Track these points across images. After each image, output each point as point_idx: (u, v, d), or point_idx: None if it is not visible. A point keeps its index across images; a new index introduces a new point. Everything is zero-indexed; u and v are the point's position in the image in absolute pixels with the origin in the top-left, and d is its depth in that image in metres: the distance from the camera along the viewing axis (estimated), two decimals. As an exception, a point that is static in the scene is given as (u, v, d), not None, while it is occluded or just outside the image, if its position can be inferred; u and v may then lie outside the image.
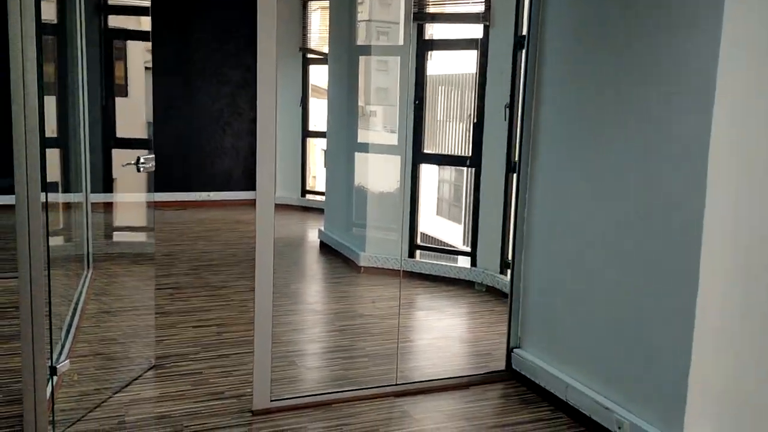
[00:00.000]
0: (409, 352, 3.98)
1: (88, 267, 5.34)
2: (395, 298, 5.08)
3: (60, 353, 3.31)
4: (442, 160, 5.83)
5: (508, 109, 5.00)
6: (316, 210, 8.69)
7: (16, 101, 2.50)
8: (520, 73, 4.97)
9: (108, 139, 6.07)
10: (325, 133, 9.86)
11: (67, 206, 5.18)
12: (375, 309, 4.80)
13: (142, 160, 3.28)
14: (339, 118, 6.56)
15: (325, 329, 4.38)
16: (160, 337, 4.03)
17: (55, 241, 5.30)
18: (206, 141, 8.91)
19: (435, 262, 5.49)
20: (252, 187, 8.90)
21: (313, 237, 7.31)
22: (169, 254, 6.21)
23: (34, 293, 2.66)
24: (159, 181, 8.96)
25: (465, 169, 5.58)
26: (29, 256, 2.61)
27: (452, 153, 5.63)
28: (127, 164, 3.34)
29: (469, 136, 5.49)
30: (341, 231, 6.35)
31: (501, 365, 3.70)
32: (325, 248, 6.56)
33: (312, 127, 8.91)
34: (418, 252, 5.68)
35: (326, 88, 9.81)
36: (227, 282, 5.34)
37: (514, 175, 5.18)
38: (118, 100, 6.51)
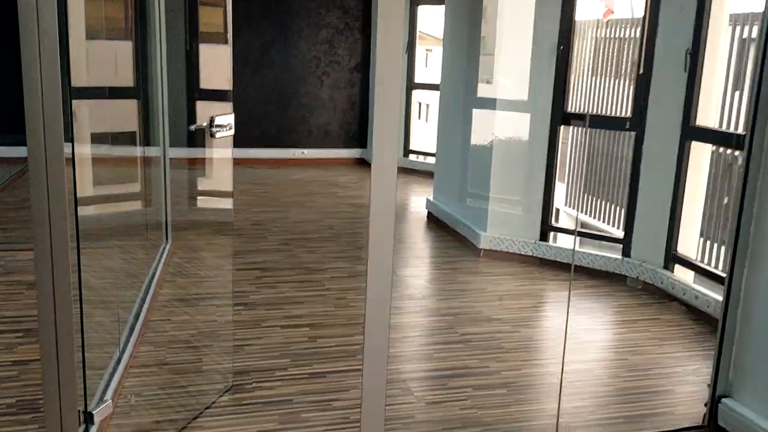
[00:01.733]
0: (558, 380, 3.00)
1: (167, 238, 4.65)
2: (528, 294, 4.08)
3: (111, 376, 2.55)
4: (591, 121, 4.68)
5: (690, 56, 3.79)
6: (420, 173, 7.73)
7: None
8: (710, 7, 3.73)
9: (192, 91, 5.33)
10: (431, 85, 8.80)
11: (143, 164, 4.48)
12: (503, 310, 3.83)
13: (216, 123, 2.41)
14: (456, 69, 5.49)
15: (442, 338, 3.47)
16: (241, 340, 3.24)
17: (130, 206, 4.64)
18: (302, 92, 8.07)
19: (579, 249, 4.43)
20: (350, 144, 7.99)
21: (418, 206, 6.37)
22: (259, 223, 5.45)
23: (58, 300, 1.86)
24: (250, 135, 8.27)
25: (622, 133, 4.43)
26: (50, 238, 1.81)
27: (605, 113, 4.48)
28: (197, 127, 2.48)
29: (627, 93, 4.31)
30: (455, 203, 5.36)
31: (696, 416, 2.66)
32: (434, 222, 5.61)
33: (417, 79, 7.87)
34: (551, 235, 4.63)
35: (437, 33, 8.70)
36: (323, 263, 4.50)
37: (710, 147, 4.01)
38: (203, 47, 5.65)
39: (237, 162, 7.58)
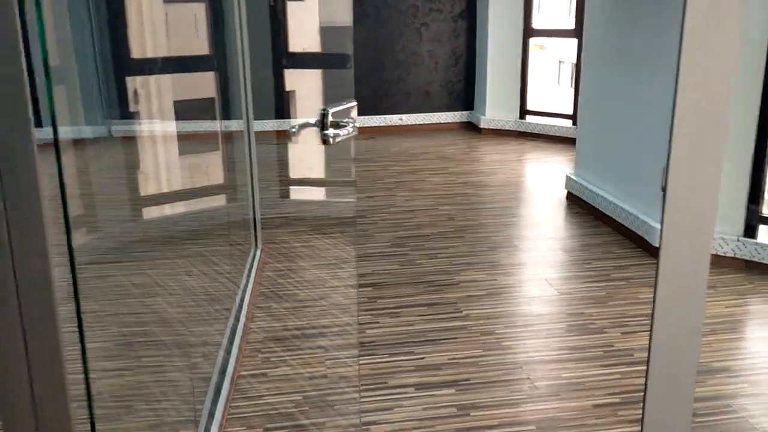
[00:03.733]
0: None
1: (256, 242, 3.76)
2: (748, 316, 2.93)
3: None
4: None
5: None
6: (540, 138, 6.53)
7: None
8: None
9: (279, 57, 4.37)
10: (555, 31, 7.47)
11: (225, 149, 3.59)
12: (724, 353, 2.72)
13: (332, 120, 1.41)
14: (603, 11, 4.25)
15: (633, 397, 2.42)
16: (365, 414, 2.30)
17: (209, 202, 3.77)
18: (398, 48, 6.97)
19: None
20: (454, 106, 6.85)
21: (548, 181, 5.23)
22: (362, 214, 4.48)
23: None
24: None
25: None
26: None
27: None
28: (302, 126, 1.50)
29: None
30: (612, 184, 4.19)
31: None
32: (579, 206, 4.46)
33: (537, 24, 6.60)
34: (762, 229, 3.41)
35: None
36: (450, 273, 3.50)
37: None
38: (291, 5, 4.72)
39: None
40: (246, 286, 3.24)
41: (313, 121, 1.45)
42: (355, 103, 1.54)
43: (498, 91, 6.78)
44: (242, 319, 2.92)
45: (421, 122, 7.16)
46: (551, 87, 18.34)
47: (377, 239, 4.03)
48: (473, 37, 7.04)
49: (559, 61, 19.25)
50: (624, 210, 3.93)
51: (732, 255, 3.42)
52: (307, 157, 5.59)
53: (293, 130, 1.44)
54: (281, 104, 5.03)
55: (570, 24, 6.27)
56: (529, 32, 6.55)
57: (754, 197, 3.36)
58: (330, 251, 3.85)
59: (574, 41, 6.26)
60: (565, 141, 6.34)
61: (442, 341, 2.80)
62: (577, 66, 6.27)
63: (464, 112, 7.23)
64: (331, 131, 1.40)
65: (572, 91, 6.38)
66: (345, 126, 1.44)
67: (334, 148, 1.70)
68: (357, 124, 1.50)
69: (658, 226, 3.58)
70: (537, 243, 3.93)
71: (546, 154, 6.03)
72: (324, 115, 1.41)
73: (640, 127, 3.83)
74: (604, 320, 2.97)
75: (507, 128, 6.77)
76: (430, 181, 5.27)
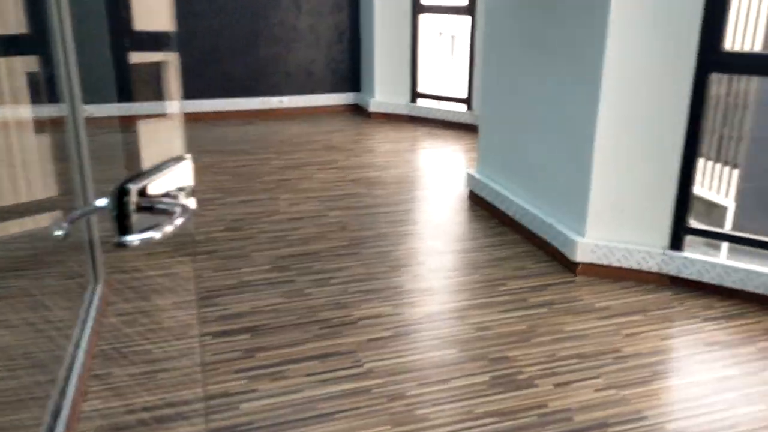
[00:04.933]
0: None
1: (95, 273, 2.95)
2: (689, 349, 2.55)
3: None
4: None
5: None
6: (433, 123, 6.04)
7: None
8: None
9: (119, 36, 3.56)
10: (447, 8, 6.90)
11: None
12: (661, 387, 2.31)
13: (135, 198, 0.73)
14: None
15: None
16: None
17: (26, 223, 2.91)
18: (273, 22, 6.19)
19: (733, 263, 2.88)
20: (340, 87, 6.13)
21: (447, 176, 4.73)
22: (237, 227, 3.76)
23: None
24: (209, 83, 6.39)
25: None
26: None
27: None
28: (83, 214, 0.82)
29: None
30: (521, 186, 3.74)
31: None
32: (483, 207, 3.99)
33: (427, 0, 6.04)
34: (687, 239, 3.06)
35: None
36: (346, 305, 2.90)
37: None
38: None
39: (193, 117, 5.71)
40: (79, 341, 2.48)
41: (103, 203, 0.77)
42: (187, 161, 0.87)
43: (387, 72, 6.19)
44: (69, 395, 2.17)
45: (304, 105, 6.45)
46: (445, 63, 18.00)
47: (255, 260, 3.34)
48: (357, 11, 6.38)
49: (452, 36, 18.95)
50: (536, 217, 3.48)
51: (657, 270, 3.06)
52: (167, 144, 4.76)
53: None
54: (127, 86, 4.17)
55: (463, 1, 5.76)
56: (418, 8, 5.98)
57: (683, 204, 3.00)
58: (199, 282, 3.13)
59: (468, 18, 5.77)
60: (460, 127, 5.88)
61: (338, 416, 2.19)
62: (471, 46, 5.78)
63: (351, 94, 6.59)
64: (135, 236, 0.73)
65: (467, 72, 5.90)
66: (167, 213, 0.78)
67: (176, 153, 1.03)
68: (193, 203, 0.84)
69: (578, 238, 3.16)
70: (443, 259, 3.40)
71: (441, 143, 5.53)
72: (121, 198, 0.74)
73: (554, 124, 3.38)
74: (532, 366, 2.49)
75: (398, 112, 6.21)
76: (318, 178, 4.61)
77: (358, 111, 6.51)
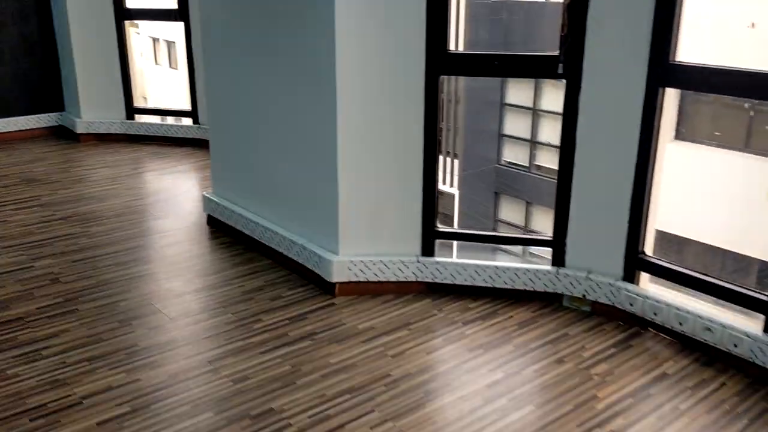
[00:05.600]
0: None
1: None
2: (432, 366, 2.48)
3: None
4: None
5: None
6: (157, 141, 5.46)
7: None
8: None
9: None
10: (154, 12, 6.20)
11: None
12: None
13: None
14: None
15: None
16: None
17: None
18: (-63, 33, 5.02)
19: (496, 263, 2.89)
20: (38, 108, 5.24)
21: (180, 202, 4.24)
22: None
23: None
24: None
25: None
26: None
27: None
28: None
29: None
30: (264, 205, 3.41)
31: None
32: (225, 233, 3.59)
33: (132, 3, 5.39)
34: (438, 244, 3.02)
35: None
36: (64, 381, 2.31)
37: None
38: None
39: None
40: None
41: None
42: None
43: (94, 86, 5.41)
44: None
45: (-10, 132, 5.37)
46: (165, 72, 16.78)
47: (-69, 343, 2.55)
48: (49, 19, 5.49)
49: (154, 39, 17.72)
50: (286, 239, 3.19)
51: (414, 278, 2.98)
52: None
53: None
54: None
55: (172, 4, 5.25)
56: (121, 13, 5.31)
57: (429, 211, 2.95)
58: None
59: (180, 24, 5.27)
60: (189, 143, 5.37)
61: None
62: (189, 54, 5.31)
63: (53, 115, 5.66)
64: None
65: (187, 82, 5.41)
66: None
67: None
68: None
69: (332, 257, 2.94)
70: (185, 302, 2.94)
71: (168, 163, 4.98)
72: None
73: (292, 135, 3.11)
74: (301, 414, 2.19)
75: (113, 131, 5.48)
76: (16, 220, 3.78)
77: (64, 133, 5.61)
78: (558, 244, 2.87)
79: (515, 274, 2.88)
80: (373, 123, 2.85)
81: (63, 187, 4.36)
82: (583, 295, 2.83)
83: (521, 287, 2.90)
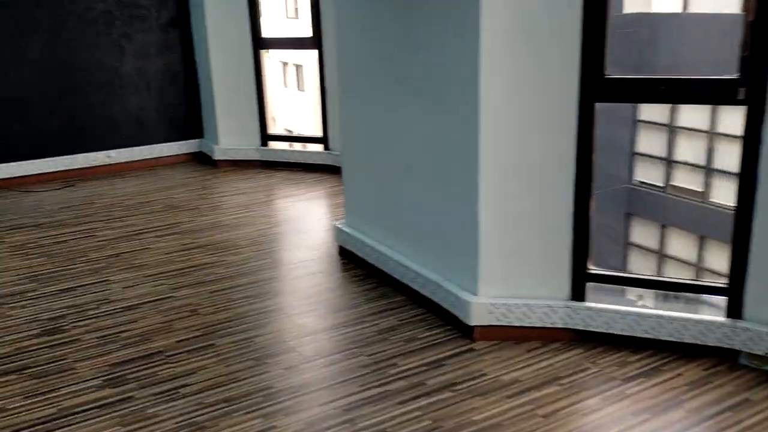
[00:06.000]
0: None
1: None
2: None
3: None
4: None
5: None
6: (287, 167, 5.51)
7: None
8: None
9: None
10: (291, 41, 6.35)
11: None
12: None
13: None
14: (359, 20, 3.31)
15: None
16: None
17: None
18: (93, 67, 5.37)
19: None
20: (179, 136, 5.33)
21: (311, 230, 4.21)
22: (51, 328, 2.97)
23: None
24: (19, 141, 5.31)
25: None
26: None
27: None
28: None
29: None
30: (399, 239, 3.28)
31: None
32: (357, 265, 3.48)
33: (268, 33, 5.51)
34: (587, 287, 2.74)
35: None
36: (200, 425, 2.27)
37: None
38: None
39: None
40: None
41: None
42: None
43: (231, 114, 5.57)
44: None
45: (138, 158, 5.66)
46: (294, 96, 17.37)
47: (81, 374, 2.60)
48: (191, 49, 5.72)
49: (283, 63, 18.36)
50: (420, 275, 3.03)
51: (561, 325, 2.71)
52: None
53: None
54: None
55: (307, 32, 5.30)
56: (259, 42, 5.44)
57: (582, 252, 2.68)
58: (1, 419, 2.34)
59: (314, 52, 5.31)
60: (319, 169, 5.38)
61: None
62: (322, 81, 5.33)
63: (193, 142, 5.89)
64: None
65: (319, 110, 5.43)
66: None
67: None
68: None
69: (471, 297, 2.74)
70: (318, 340, 2.85)
71: (300, 189, 5.00)
72: None
73: (430, 166, 2.96)
74: (447, 480, 2.00)
75: (248, 158, 5.60)
76: (158, 248, 3.89)
77: (203, 159, 5.82)
78: (735, 292, 2.50)
79: (683, 325, 2.54)
80: (518, 154, 2.63)
81: (201, 214, 4.47)
82: (766, 353, 2.44)
83: (690, 341, 2.55)
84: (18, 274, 3.56)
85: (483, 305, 2.73)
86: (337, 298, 3.26)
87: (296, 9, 17.06)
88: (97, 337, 2.89)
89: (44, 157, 5.29)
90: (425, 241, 3.07)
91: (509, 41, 2.51)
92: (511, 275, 2.76)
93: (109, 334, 2.91)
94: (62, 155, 5.35)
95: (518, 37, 2.50)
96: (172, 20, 5.59)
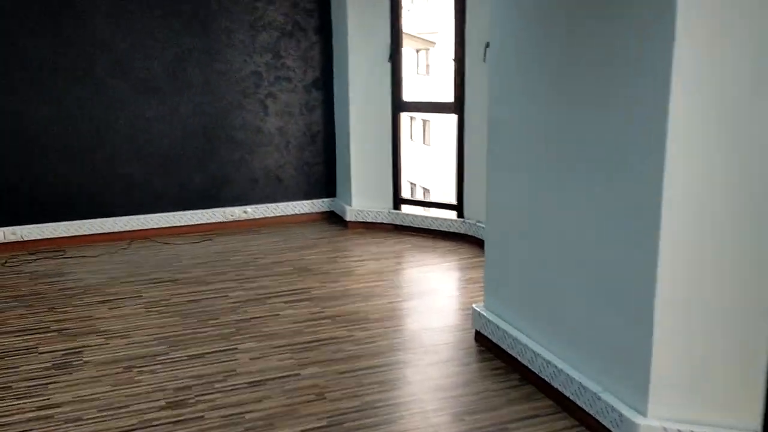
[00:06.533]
0: None
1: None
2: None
3: None
4: None
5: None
6: (418, 233, 5.29)
7: None
8: None
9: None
10: (431, 105, 6.24)
11: None
12: None
13: None
14: (515, 84, 3.06)
15: None
16: None
17: None
18: (237, 124, 5.50)
19: None
20: (314, 194, 5.24)
21: (444, 308, 3.93)
22: (179, 400, 2.87)
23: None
24: (164, 194, 5.35)
25: None
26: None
27: None
28: None
29: None
30: (549, 334, 2.92)
31: None
32: (496, 356, 3.14)
33: (408, 97, 5.41)
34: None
35: (425, 34, 6.22)
36: None
37: None
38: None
39: (142, 235, 4.77)
40: None
41: None
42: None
43: (366, 175, 5.48)
44: None
45: (273, 214, 5.69)
46: (419, 147, 17.46)
47: (201, 460, 2.44)
48: (331, 110, 5.74)
49: (411, 117, 18.51)
50: (574, 380, 2.66)
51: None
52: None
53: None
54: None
55: (448, 97, 5.14)
56: (399, 105, 5.34)
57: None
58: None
59: (454, 117, 5.13)
60: (451, 237, 5.13)
61: None
62: (460, 146, 5.12)
63: (325, 201, 5.85)
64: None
65: (455, 176, 5.21)
66: None
67: None
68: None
69: (638, 418, 2.33)
70: (454, 445, 2.53)
71: (432, 258, 4.76)
72: None
73: (593, 252, 2.61)
74: None
75: (379, 221, 5.46)
76: (287, 316, 3.76)
77: (334, 219, 5.75)
78: None
79: None
80: (709, 249, 2.23)
81: (331, 280, 4.33)
82: None
83: None
84: (150, 335, 3.54)
85: (653, 428, 2.31)
86: (474, 395, 2.92)
87: (427, 65, 17.21)
88: (221, 416, 2.74)
89: (185, 210, 5.43)
90: (582, 341, 2.69)
91: (698, 93, 2.15)
92: (689, 396, 2.32)
93: (233, 414, 2.76)
94: (201, 209, 5.47)
95: (715, 104, 2.14)
96: (315, 82, 5.64)
